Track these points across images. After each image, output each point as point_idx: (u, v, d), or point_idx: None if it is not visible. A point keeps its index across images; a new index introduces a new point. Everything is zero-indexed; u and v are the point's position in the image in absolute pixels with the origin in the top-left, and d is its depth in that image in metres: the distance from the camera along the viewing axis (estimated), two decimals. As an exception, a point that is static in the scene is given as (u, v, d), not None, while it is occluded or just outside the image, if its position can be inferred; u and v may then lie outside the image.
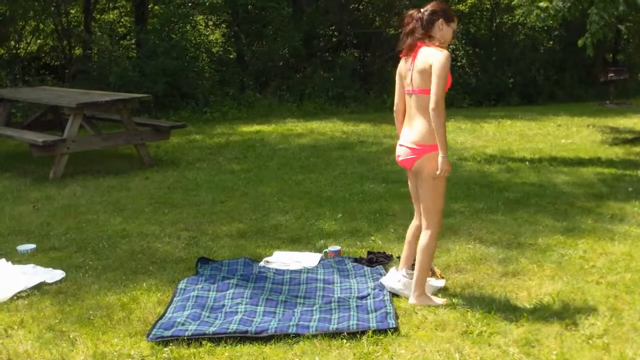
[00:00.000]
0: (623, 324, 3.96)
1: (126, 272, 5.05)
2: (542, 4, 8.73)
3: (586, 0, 8.47)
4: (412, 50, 4.27)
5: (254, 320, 4.09)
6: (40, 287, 4.73)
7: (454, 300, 4.35)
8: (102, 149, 9.50)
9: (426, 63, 4.14)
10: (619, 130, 11.97)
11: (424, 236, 4.35)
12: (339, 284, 4.73)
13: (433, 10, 4.26)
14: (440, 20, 4.25)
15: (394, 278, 4.55)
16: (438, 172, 4.17)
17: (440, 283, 4.62)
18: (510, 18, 19.27)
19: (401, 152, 4.39)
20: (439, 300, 4.35)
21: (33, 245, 5.68)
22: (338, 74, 16.87)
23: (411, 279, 4.41)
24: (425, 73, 4.15)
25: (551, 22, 8.89)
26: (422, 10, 4.29)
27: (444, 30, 4.26)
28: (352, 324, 3.97)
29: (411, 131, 4.31)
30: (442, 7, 4.29)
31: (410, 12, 4.35)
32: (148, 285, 4.76)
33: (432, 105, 4.09)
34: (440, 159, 4.16)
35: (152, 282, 4.83)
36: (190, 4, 16.92)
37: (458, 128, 12.27)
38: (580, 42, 8.69)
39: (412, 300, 4.34)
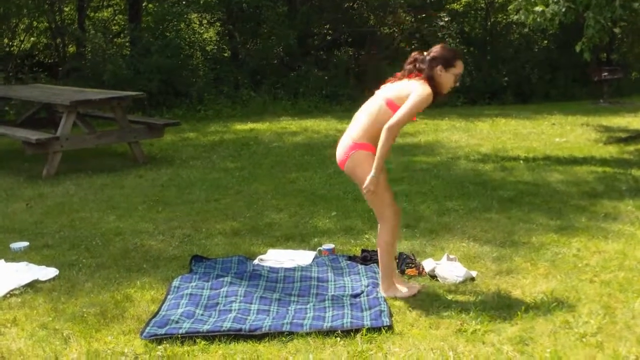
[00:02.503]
0: (616, 322, 3.96)
1: (120, 270, 5.04)
2: (538, 9, 8.75)
3: (582, 4, 8.48)
4: (402, 77, 4.31)
5: (248, 318, 4.09)
6: (33, 285, 4.72)
7: (447, 298, 4.36)
8: (96, 147, 9.49)
9: (408, 89, 4.17)
10: (612, 129, 11.98)
11: (379, 231, 4.39)
12: (333, 282, 4.73)
13: (433, 56, 4.26)
14: (439, 66, 4.24)
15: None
16: (363, 186, 4.19)
17: (472, 273, 4.72)
18: (504, 17, 19.30)
19: (337, 152, 4.40)
20: (406, 290, 4.39)
21: (26, 243, 5.66)
22: (332, 72, 16.89)
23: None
24: (403, 93, 4.17)
25: (547, 25, 8.91)
26: (424, 53, 4.31)
27: (443, 76, 4.25)
28: (346, 322, 3.96)
29: (350, 130, 4.35)
30: (443, 52, 4.28)
31: (413, 54, 4.37)
32: (142, 283, 4.75)
33: (391, 122, 4.11)
34: (369, 177, 4.17)
35: (145, 280, 4.82)
36: (184, 2, 16.89)
37: (452, 126, 12.29)
38: (577, 47, 8.72)
39: (381, 292, 4.40)
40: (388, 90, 4.30)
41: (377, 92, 4.40)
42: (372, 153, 4.22)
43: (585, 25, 8.53)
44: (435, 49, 4.31)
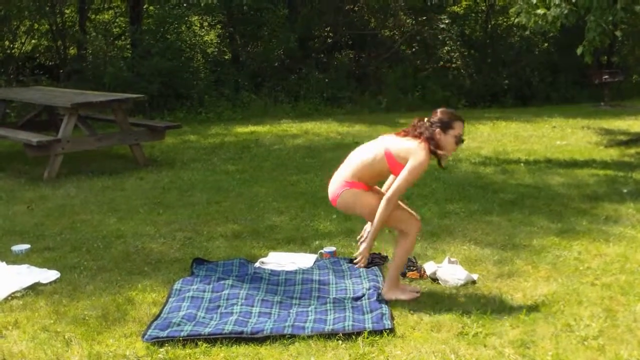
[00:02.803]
0: (618, 326, 3.97)
1: (121, 272, 5.04)
2: (539, 11, 8.76)
3: (583, 7, 8.49)
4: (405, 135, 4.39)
5: (249, 321, 4.09)
6: (34, 288, 4.72)
7: (449, 301, 4.36)
8: (97, 149, 9.49)
9: (409, 152, 4.24)
10: (613, 132, 11.99)
11: (400, 240, 4.45)
12: (334, 285, 4.73)
13: (431, 121, 4.34)
14: (438, 130, 4.32)
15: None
16: (355, 255, 4.30)
17: (474, 276, 4.74)
18: (505, 20, 19.32)
19: (329, 190, 4.49)
20: (407, 294, 4.43)
21: (27, 246, 5.66)
22: (333, 75, 16.89)
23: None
24: (403, 153, 4.24)
25: (549, 28, 8.92)
26: (425, 119, 4.39)
27: (442, 138, 4.33)
28: (348, 325, 3.96)
29: (345, 166, 4.42)
30: (440, 116, 4.36)
31: (414, 120, 4.44)
32: (143, 286, 4.75)
33: (389, 194, 4.21)
34: (362, 247, 4.30)
35: (147, 282, 4.82)
36: (185, 5, 16.91)
37: (453, 129, 12.27)
38: (579, 50, 8.74)
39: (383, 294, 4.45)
40: (392, 142, 4.35)
41: (379, 138, 4.46)
42: (364, 190, 4.33)
43: (586, 28, 8.55)
44: (434, 113, 4.40)
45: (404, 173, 4.20)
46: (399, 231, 4.44)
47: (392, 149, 4.29)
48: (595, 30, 8.36)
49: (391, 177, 4.45)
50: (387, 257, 5.22)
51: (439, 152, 4.33)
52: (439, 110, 4.42)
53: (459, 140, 4.39)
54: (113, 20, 18.54)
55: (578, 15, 8.66)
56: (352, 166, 4.37)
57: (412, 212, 4.51)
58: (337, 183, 4.40)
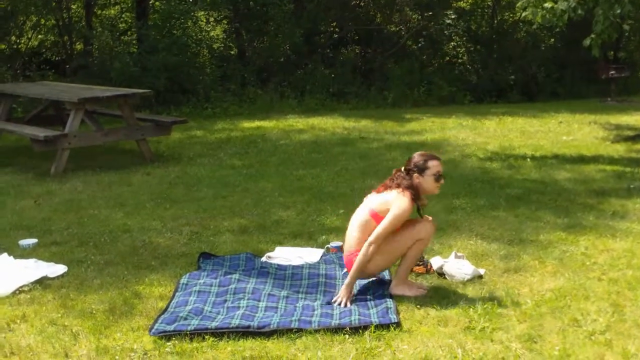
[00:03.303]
0: (625, 320, 3.96)
1: (128, 267, 5.05)
2: (547, 5, 8.73)
3: (591, 0, 8.46)
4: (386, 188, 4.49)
5: (256, 315, 4.09)
6: (42, 282, 4.73)
7: (455, 295, 4.36)
8: (103, 144, 9.51)
9: (388, 203, 4.36)
10: (620, 127, 11.96)
11: (418, 243, 4.47)
12: (340, 280, 4.73)
13: (407, 168, 4.46)
14: (415, 175, 4.42)
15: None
16: (337, 297, 4.33)
17: (480, 271, 4.75)
18: (511, 15, 19.26)
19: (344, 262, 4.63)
20: (414, 289, 4.45)
21: (35, 240, 5.68)
22: (339, 70, 16.88)
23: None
24: (385, 206, 4.35)
25: (556, 22, 8.88)
26: (402, 168, 4.50)
27: (421, 181, 4.43)
28: (354, 319, 3.97)
29: (347, 240, 4.53)
30: (416, 161, 4.47)
31: (394, 171, 4.55)
32: (150, 280, 4.76)
33: (371, 238, 4.31)
34: (343, 287, 4.35)
35: (154, 277, 4.83)
36: (191, 0, 16.90)
37: (459, 125, 12.27)
38: (586, 42, 8.70)
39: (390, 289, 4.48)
40: (374, 201, 4.48)
41: (365, 200, 4.57)
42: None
43: (594, 20, 8.51)
44: (409, 160, 4.50)
45: (386, 220, 4.32)
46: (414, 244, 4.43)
47: (374, 207, 4.42)
48: (604, 23, 8.33)
49: None
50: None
51: (420, 201, 4.49)
52: (414, 155, 4.53)
53: (438, 178, 4.46)
54: (119, 15, 18.57)
55: (586, 8, 8.63)
56: (352, 240, 4.47)
57: (423, 218, 4.53)
58: (348, 256, 4.48)
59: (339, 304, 4.25)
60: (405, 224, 4.43)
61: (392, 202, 4.34)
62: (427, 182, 4.43)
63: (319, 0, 17.74)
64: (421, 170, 4.42)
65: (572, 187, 7.39)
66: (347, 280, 4.35)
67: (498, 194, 7.05)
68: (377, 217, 4.37)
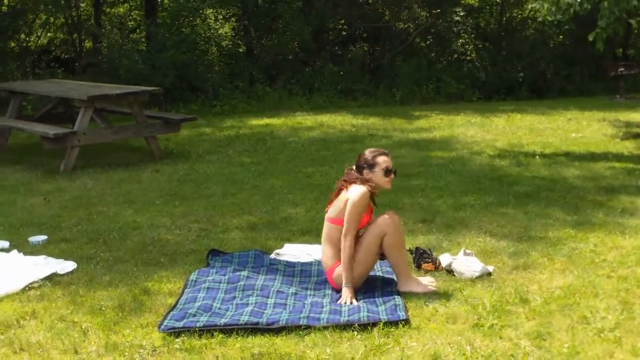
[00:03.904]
0: (634, 318, 3.95)
1: (137, 263, 5.07)
2: None
3: None
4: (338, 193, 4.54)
5: (265, 312, 4.10)
6: (51, 278, 4.76)
7: (464, 292, 4.36)
8: (113, 142, 9.53)
9: (344, 200, 4.41)
10: (629, 124, 11.90)
11: (386, 238, 4.49)
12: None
13: (358, 165, 4.55)
14: (365, 171, 4.50)
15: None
16: (341, 299, 4.31)
17: (489, 268, 4.74)
18: (520, 12, 19.19)
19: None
20: (422, 286, 4.45)
21: (44, 237, 5.71)
22: (347, 67, 16.86)
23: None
24: (341, 203, 4.43)
25: (562, 16, 8.85)
26: (353, 167, 4.57)
27: (372, 177, 4.49)
28: (363, 316, 3.97)
29: (324, 262, 4.58)
30: (365, 157, 4.54)
31: (346, 169, 4.62)
32: (159, 276, 4.78)
33: (343, 231, 4.37)
34: (343, 288, 4.34)
35: (163, 273, 4.85)
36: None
37: (468, 122, 12.25)
38: (590, 37, 8.67)
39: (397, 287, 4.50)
40: (330, 213, 4.54)
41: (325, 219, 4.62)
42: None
43: (599, 15, 8.46)
44: (359, 157, 4.58)
45: (347, 209, 4.38)
46: (384, 241, 4.45)
47: (331, 215, 4.49)
48: (609, 17, 8.28)
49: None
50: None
51: (375, 189, 4.51)
52: (364, 152, 4.60)
53: (387, 172, 4.51)
54: (128, 13, 18.62)
55: (592, 3, 8.59)
56: (325, 255, 4.54)
57: (383, 215, 4.52)
58: (327, 272, 4.54)
59: (346, 303, 4.26)
60: (368, 227, 4.48)
61: (349, 196, 4.40)
62: (377, 177, 4.49)
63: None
64: (371, 166, 4.50)
65: (581, 184, 7.37)
66: (343, 282, 4.35)
67: (507, 191, 7.04)
68: (336, 221, 4.44)
